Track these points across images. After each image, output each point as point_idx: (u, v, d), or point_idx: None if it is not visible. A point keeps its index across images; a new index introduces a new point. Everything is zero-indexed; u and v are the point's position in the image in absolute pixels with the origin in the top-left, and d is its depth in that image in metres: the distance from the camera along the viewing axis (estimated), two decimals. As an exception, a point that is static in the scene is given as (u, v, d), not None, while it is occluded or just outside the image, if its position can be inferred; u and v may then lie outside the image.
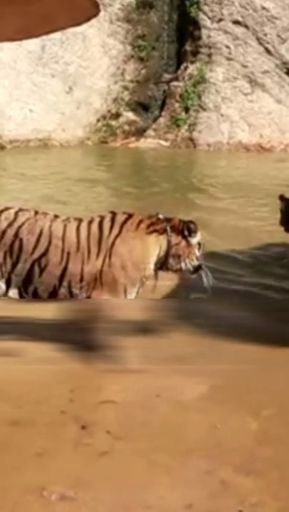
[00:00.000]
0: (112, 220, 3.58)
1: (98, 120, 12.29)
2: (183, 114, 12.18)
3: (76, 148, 11.72)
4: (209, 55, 12.34)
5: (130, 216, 3.62)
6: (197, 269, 3.65)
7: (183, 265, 3.64)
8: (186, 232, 3.62)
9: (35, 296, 3.52)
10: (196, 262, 3.65)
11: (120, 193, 8.12)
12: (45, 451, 2.05)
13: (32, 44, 11.29)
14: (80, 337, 3.12)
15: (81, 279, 3.48)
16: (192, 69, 12.45)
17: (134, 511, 1.80)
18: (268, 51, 12.26)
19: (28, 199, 7.06)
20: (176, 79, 12.56)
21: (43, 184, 8.29)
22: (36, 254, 3.49)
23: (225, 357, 2.87)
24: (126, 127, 12.42)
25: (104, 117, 12.34)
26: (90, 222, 3.60)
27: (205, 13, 12.35)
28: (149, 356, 2.89)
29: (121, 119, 12.43)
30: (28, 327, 3.30)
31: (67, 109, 12.00)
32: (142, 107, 12.61)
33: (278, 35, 12.23)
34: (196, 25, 12.44)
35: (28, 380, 2.58)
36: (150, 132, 12.28)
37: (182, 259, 3.62)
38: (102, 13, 11.71)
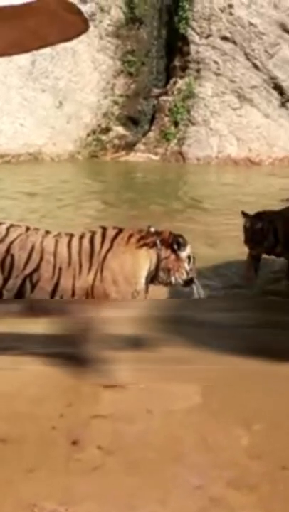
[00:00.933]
0: (103, 235, 3.59)
1: (88, 134, 12.34)
2: (172, 129, 12.27)
3: (66, 162, 11.74)
4: (198, 70, 12.47)
5: (120, 231, 3.63)
6: (189, 282, 3.67)
7: (173, 279, 3.65)
8: (175, 246, 3.64)
9: None
10: (185, 276, 3.67)
11: (110, 207, 8.14)
12: (36, 466, 2.03)
13: (22, 59, 11.34)
14: (71, 351, 3.11)
15: (73, 294, 3.48)
16: (181, 84, 12.57)
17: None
18: (255, 66, 12.40)
19: (18, 214, 7.06)
20: (166, 93, 12.66)
21: (33, 198, 8.30)
22: (28, 270, 3.49)
23: (217, 368, 2.87)
24: (116, 141, 12.48)
25: (94, 132, 12.39)
26: (81, 237, 3.61)
27: (193, 29, 12.50)
28: (139, 370, 2.88)
29: (111, 134, 12.49)
30: (20, 341, 3.28)
31: (57, 124, 12.04)
32: (131, 121, 12.68)
33: (266, 51, 12.39)
34: (185, 40, 12.58)
35: (18, 395, 2.57)
36: (140, 146, 12.34)
37: (172, 273, 3.64)
38: (91, 29, 11.81)
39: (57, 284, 3.47)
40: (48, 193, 8.79)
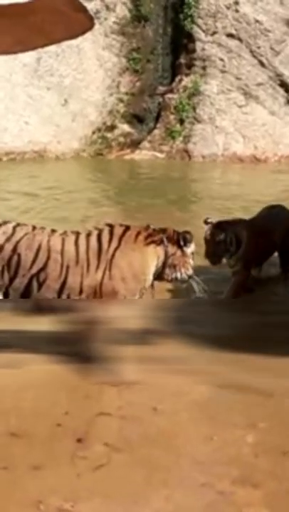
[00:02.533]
0: (111, 233, 3.60)
1: (93, 132, 12.33)
2: (178, 126, 12.25)
3: (72, 160, 11.75)
4: (204, 68, 12.44)
5: (128, 228, 3.64)
6: (188, 278, 3.70)
7: (178, 275, 3.67)
8: (182, 242, 3.66)
9: None
10: (190, 272, 3.68)
11: (116, 205, 8.14)
12: (42, 464, 2.04)
13: (27, 57, 11.35)
14: (76, 349, 3.12)
15: (80, 292, 3.50)
16: (187, 81, 12.54)
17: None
18: (261, 64, 12.36)
19: (24, 211, 7.07)
20: (171, 91, 12.64)
21: (38, 197, 8.30)
22: (35, 269, 3.50)
23: (222, 368, 2.87)
24: (121, 139, 12.47)
25: (99, 129, 12.39)
26: (88, 235, 3.62)
27: (199, 26, 12.47)
28: (145, 368, 2.88)
29: (116, 131, 12.48)
30: (26, 339, 3.29)
31: (62, 122, 12.04)
32: (137, 119, 12.67)
33: (271, 48, 12.34)
34: (191, 38, 12.55)
35: (24, 393, 2.57)
36: (145, 144, 12.33)
37: (178, 269, 3.66)
38: (96, 27, 11.80)
39: (64, 283, 3.48)
40: (52, 191, 8.79)
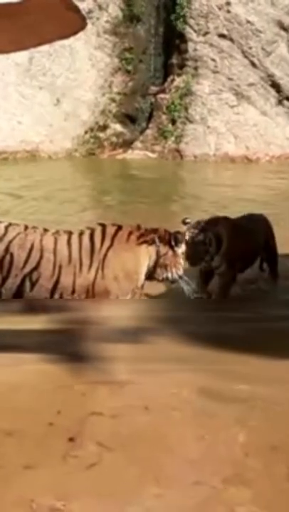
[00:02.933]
0: (103, 233, 3.61)
1: (86, 132, 12.33)
2: (170, 126, 12.28)
3: (64, 160, 11.74)
4: (195, 68, 12.47)
5: (120, 228, 3.66)
6: (178, 278, 3.75)
7: (169, 275, 3.70)
8: (173, 242, 3.67)
9: None
10: (181, 272, 3.69)
11: (107, 204, 8.15)
12: (34, 463, 2.04)
13: (20, 56, 11.34)
14: (69, 348, 3.12)
15: (73, 292, 3.50)
16: (179, 81, 12.57)
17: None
18: (253, 64, 12.42)
19: (19, 211, 7.06)
20: (163, 91, 12.67)
21: (30, 197, 8.29)
22: (27, 269, 3.50)
23: (215, 366, 2.88)
24: (113, 139, 12.47)
25: (91, 129, 12.39)
26: (81, 235, 3.62)
27: (191, 27, 12.50)
28: (137, 367, 2.89)
29: (108, 131, 12.49)
30: (18, 338, 3.29)
31: (55, 121, 12.03)
32: (129, 119, 12.68)
33: (263, 49, 12.40)
34: (183, 38, 12.58)
35: (16, 392, 2.57)
36: (137, 144, 12.35)
37: (169, 269, 3.68)
38: (89, 26, 11.80)
39: (57, 282, 3.49)
40: (44, 190, 8.78)
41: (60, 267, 3.50)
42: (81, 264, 3.51)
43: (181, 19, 12.49)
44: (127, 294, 3.56)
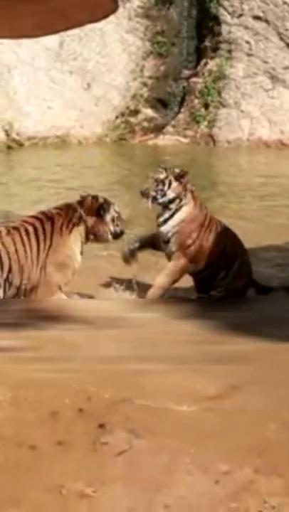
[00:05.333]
0: (44, 230, 3.81)
1: (117, 117, 12.26)
2: (202, 111, 12.11)
3: (94, 145, 11.71)
4: (229, 51, 12.24)
5: (53, 221, 3.84)
6: (118, 235, 4.01)
7: (102, 238, 3.99)
8: (101, 212, 3.93)
9: None
10: (110, 237, 3.98)
11: (137, 191, 8.10)
12: (64, 449, 2.04)
13: (50, 41, 11.30)
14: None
15: (21, 291, 3.73)
16: (212, 65, 12.36)
17: (153, 510, 1.78)
18: (289, 46, 12.13)
19: (42, 198, 7.08)
20: (196, 75, 12.48)
21: (58, 182, 8.30)
22: None
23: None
24: (145, 124, 12.37)
25: (122, 114, 12.31)
26: (26, 233, 3.80)
27: (225, 9, 12.25)
28: (167, 356, 2.86)
29: (140, 116, 12.39)
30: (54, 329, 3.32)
31: (85, 106, 12.00)
32: (161, 103, 12.55)
33: (299, 31, 12.08)
34: (216, 20, 12.35)
35: (45, 380, 2.57)
36: (169, 129, 12.22)
37: (98, 237, 3.97)
38: (120, 10, 11.66)
39: (6, 282, 3.68)
40: (74, 175, 8.77)
41: (10, 267, 3.69)
42: (27, 263, 3.73)
43: (215, 1, 12.24)
44: (68, 279, 3.86)
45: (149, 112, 12.47)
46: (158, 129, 12.29)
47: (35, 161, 9.99)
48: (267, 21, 12.12)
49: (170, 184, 4.02)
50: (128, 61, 12.52)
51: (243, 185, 8.29)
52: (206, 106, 12.12)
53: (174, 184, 4.02)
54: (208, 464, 1.97)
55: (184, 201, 4.04)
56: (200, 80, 12.33)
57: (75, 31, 10.86)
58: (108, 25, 11.76)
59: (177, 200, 4.04)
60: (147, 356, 2.84)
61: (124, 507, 1.78)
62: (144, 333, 3.20)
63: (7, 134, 11.14)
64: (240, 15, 12.21)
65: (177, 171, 4.11)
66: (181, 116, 12.29)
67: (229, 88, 12.10)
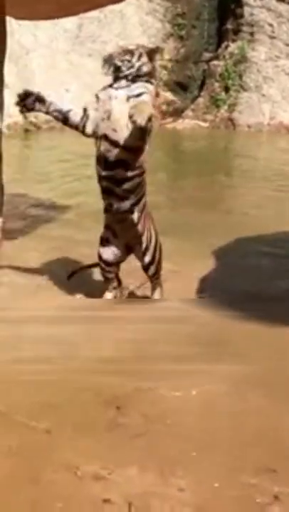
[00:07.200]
0: None
1: (136, 100, 12.18)
2: (223, 94, 11.95)
3: (113, 129, 11.64)
4: (251, 34, 12.02)
5: None
6: None
7: None
8: None
9: None
10: None
11: (155, 174, 8.04)
12: (80, 430, 2.05)
13: (69, 23, 11.20)
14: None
15: None
16: (233, 48, 12.16)
17: (167, 493, 1.78)
18: (312, 29, 11.88)
19: (54, 180, 7.06)
20: (217, 58, 12.30)
21: (73, 166, 8.26)
22: None
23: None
24: (164, 107, 12.27)
25: (141, 97, 12.21)
26: None
27: (247, -10, 12.03)
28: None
29: (158, 100, 12.29)
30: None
31: (104, 89, 11.92)
32: (180, 86, 12.41)
33: None
34: (238, 2, 12.12)
35: (64, 367, 2.58)
36: (188, 113, 12.10)
37: None
38: (141, -9, 11.52)
39: None
40: (89, 160, 8.72)
41: None
42: None
43: (237, -18, 12.02)
44: None
45: (168, 95, 12.34)
46: (177, 113, 12.17)
47: (52, 143, 9.96)
48: (290, 3, 11.88)
49: (140, 56, 3.43)
50: (148, 43, 12.37)
51: (263, 171, 8.18)
52: (227, 89, 11.95)
53: (145, 59, 3.38)
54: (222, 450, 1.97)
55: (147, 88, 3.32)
56: (221, 63, 12.15)
57: (94, 13, 10.75)
58: (128, 7, 11.62)
59: (144, 78, 3.37)
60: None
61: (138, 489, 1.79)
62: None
63: (25, 116, 11.13)
64: (263, -4, 11.98)
65: (150, 46, 3.50)
66: (200, 99, 12.15)
67: (250, 71, 11.91)
